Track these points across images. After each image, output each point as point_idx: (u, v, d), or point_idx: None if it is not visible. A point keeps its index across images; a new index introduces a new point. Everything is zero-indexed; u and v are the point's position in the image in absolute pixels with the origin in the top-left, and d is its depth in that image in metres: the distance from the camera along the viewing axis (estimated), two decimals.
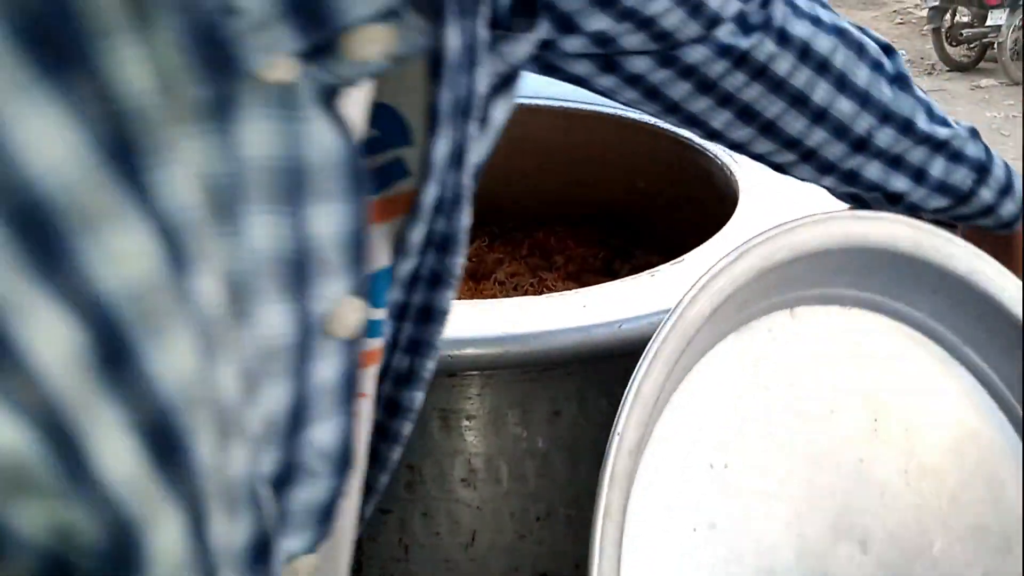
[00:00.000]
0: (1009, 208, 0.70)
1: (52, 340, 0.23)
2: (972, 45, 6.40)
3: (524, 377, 0.69)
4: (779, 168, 0.69)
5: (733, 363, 0.62)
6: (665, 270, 0.73)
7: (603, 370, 0.55)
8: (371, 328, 0.38)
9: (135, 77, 0.24)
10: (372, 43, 0.30)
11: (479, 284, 1.09)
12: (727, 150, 0.90)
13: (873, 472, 0.64)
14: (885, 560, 0.63)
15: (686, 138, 0.97)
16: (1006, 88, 6.06)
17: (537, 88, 1.09)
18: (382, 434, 0.47)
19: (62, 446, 0.24)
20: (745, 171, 0.89)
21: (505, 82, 0.45)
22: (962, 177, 0.68)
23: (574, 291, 0.71)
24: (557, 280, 1.03)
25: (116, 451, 0.25)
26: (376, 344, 0.41)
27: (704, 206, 0.84)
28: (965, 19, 6.45)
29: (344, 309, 0.33)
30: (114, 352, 0.24)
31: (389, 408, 0.47)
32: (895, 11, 7.51)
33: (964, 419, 0.69)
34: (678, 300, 0.55)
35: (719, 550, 0.57)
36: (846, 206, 0.72)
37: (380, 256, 0.39)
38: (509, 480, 0.69)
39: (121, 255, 0.24)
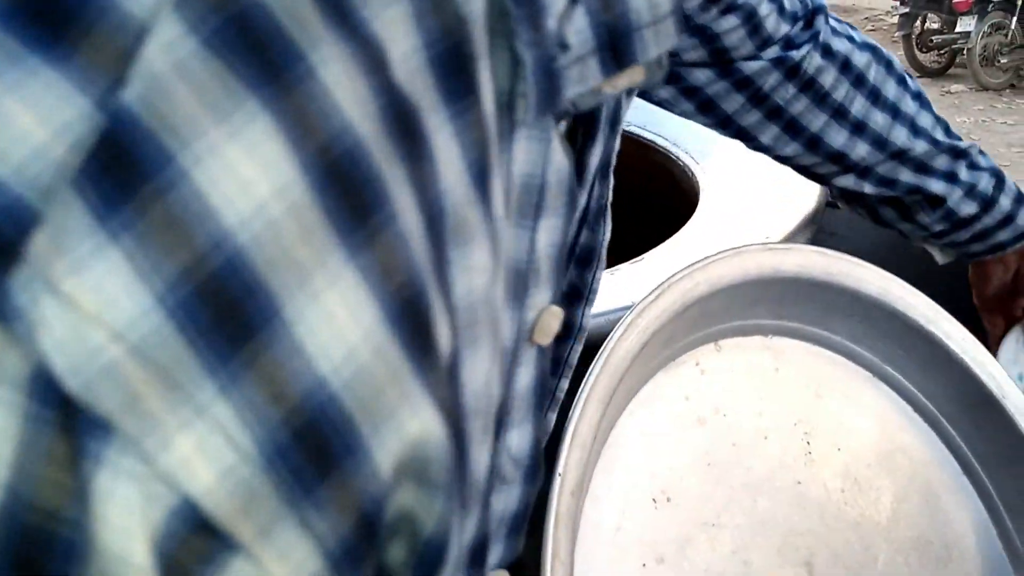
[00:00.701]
0: None
1: (443, 340, 0.24)
2: (942, 51, 6.56)
3: None
4: (821, 179, 0.73)
5: (665, 399, 0.63)
6: (624, 269, 0.75)
7: None
8: None
9: (489, 99, 0.26)
10: (631, 78, 0.32)
11: None
12: (689, 152, 0.94)
13: (811, 494, 0.66)
14: None
15: (649, 140, 0.99)
16: (976, 93, 6.19)
17: None
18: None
19: (457, 447, 0.25)
20: (706, 172, 0.92)
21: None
22: (985, 183, 0.73)
23: None
24: None
25: (479, 457, 0.26)
26: None
27: (665, 206, 0.87)
28: (935, 25, 6.59)
29: (547, 317, 0.35)
30: (456, 360, 0.26)
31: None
32: (866, 18, 7.68)
33: (892, 435, 0.72)
34: (606, 340, 0.57)
35: None
36: (809, 198, 0.76)
37: None
38: None
39: (475, 267, 0.26)
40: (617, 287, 0.72)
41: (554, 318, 0.36)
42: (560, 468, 0.52)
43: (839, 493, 0.68)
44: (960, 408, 0.73)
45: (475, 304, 0.26)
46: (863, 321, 0.71)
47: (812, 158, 0.71)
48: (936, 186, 0.72)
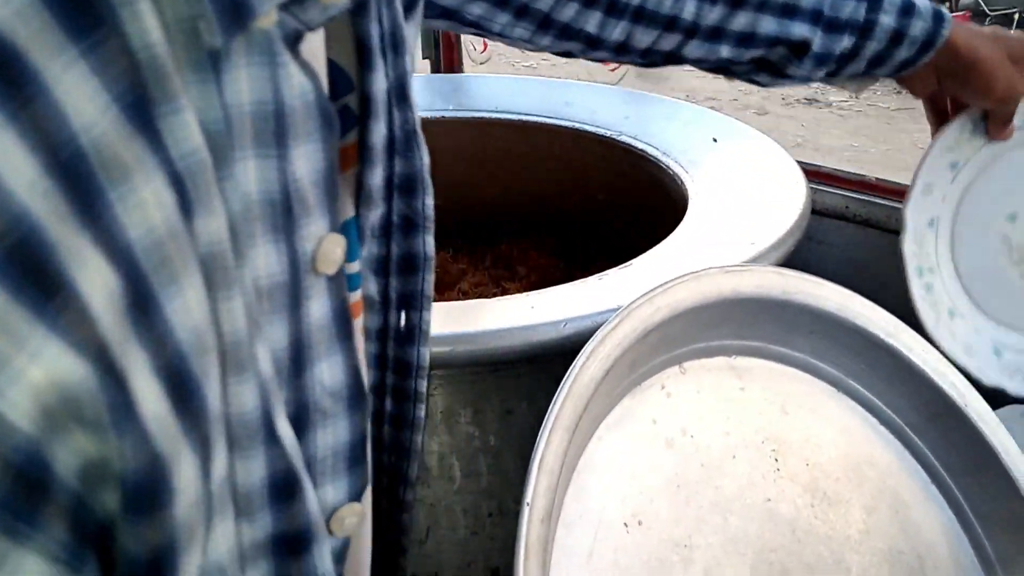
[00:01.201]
0: (919, 26, 0.69)
1: (98, 283, 0.24)
2: None
3: (475, 377, 0.71)
4: (676, 58, 0.69)
5: (632, 423, 0.64)
6: (613, 274, 0.77)
7: (552, 370, 0.58)
8: (349, 281, 0.39)
9: (151, 28, 0.25)
10: None
11: (443, 294, 1.11)
12: (679, 161, 0.95)
13: (781, 510, 0.67)
14: None
15: (640, 149, 1.01)
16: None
17: (496, 103, 1.14)
18: (398, 422, 0.48)
19: (111, 382, 0.24)
20: (695, 181, 0.93)
21: (411, 5, 0.46)
22: (851, 9, 0.68)
23: (524, 294, 0.74)
24: (519, 290, 1.05)
25: (149, 391, 0.26)
26: (356, 296, 0.42)
27: (656, 214, 0.88)
28: None
29: (327, 246, 0.35)
30: (141, 299, 0.26)
31: (399, 370, 0.47)
32: None
33: (858, 448, 0.73)
34: (569, 369, 0.58)
35: None
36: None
37: (345, 206, 0.40)
38: (462, 477, 0.72)
39: (145, 203, 0.25)
40: (605, 291, 0.74)
41: (335, 246, 0.35)
42: (528, 497, 0.53)
43: (809, 508, 0.69)
44: (925, 418, 0.74)
45: (161, 241, 0.26)
46: (825, 337, 0.72)
47: (645, 34, 0.66)
48: (798, 30, 0.68)
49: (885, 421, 0.75)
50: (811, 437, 0.71)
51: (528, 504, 0.52)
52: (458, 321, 0.69)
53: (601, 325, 0.60)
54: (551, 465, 0.54)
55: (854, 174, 1.04)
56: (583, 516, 0.59)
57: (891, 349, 0.73)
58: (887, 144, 4.95)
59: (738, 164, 0.94)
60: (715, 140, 0.97)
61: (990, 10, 5.94)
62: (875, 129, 5.45)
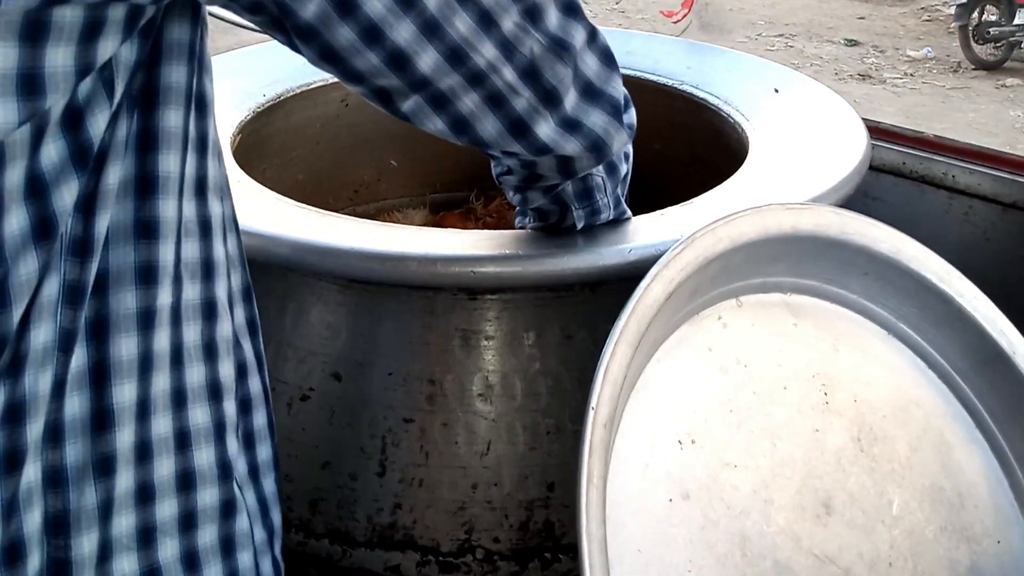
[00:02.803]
0: None
1: None
2: (999, 44, 6.29)
3: (539, 302, 0.75)
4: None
5: (689, 349, 0.67)
6: (675, 210, 0.80)
7: (611, 298, 0.61)
8: None
9: None
10: None
11: None
12: (739, 109, 0.97)
13: (828, 441, 0.70)
14: (849, 520, 0.68)
15: (700, 98, 1.02)
16: None
17: None
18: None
19: None
20: (755, 128, 0.95)
21: None
22: None
23: (591, 227, 0.77)
24: None
25: None
26: None
27: (717, 165, 0.89)
28: (993, 17, 6.38)
29: None
30: None
31: None
32: (922, 7, 7.49)
33: (906, 389, 0.75)
34: (634, 291, 0.61)
35: (695, 517, 0.62)
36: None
37: None
38: (523, 396, 0.75)
39: None
40: (667, 225, 0.77)
41: None
42: (593, 402, 0.56)
43: (855, 441, 0.71)
44: (972, 364, 0.76)
45: None
46: (878, 279, 0.74)
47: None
48: None
49: (933, 364, 0.77)
50: (860, 376, 0.74)
51: (593, 408, 0.56)
52: (524, 245, 0.72)
53: (664, 253, 0.63)
54: (615, 375, 0.57)
55: (912, 130, 1.05)
56: (640, 430, 0.62)
57: (942, 294, 0.75)
58: (942, 123, 4.87)
59: (799, 114, 0.96)
60: (776, 91, 0.98)
61: None
62: (930, 108, 5.36)
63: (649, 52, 1.09)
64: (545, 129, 0.61)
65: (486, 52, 0.55)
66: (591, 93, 0.64)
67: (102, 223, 0.47)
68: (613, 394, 0.57)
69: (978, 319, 0.75)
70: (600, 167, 0.71)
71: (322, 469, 0.77)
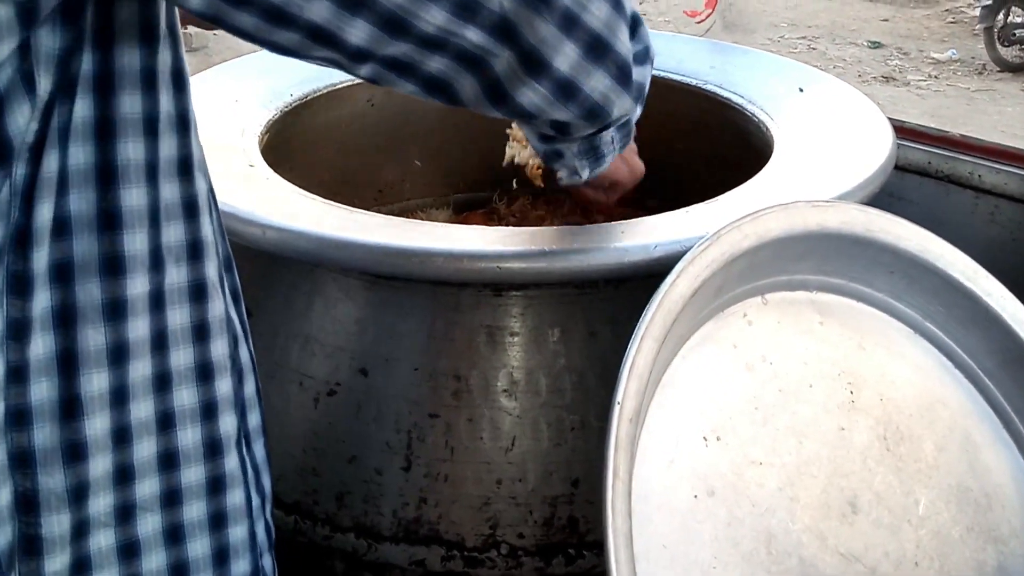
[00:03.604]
0: None
1: None
2: None
3: (564, 299, 0.76)
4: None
5: (715, 346, 0.67)
6: (700, 207, 0.80)
7: (636, 295, 0.61)
8: None
9: None
10: None
11: None
12: (764, 108, 0.97)
13: (854, 439, 0.70)
14: (875, 519, 0.68)
15: (724, 98, 1.02)
16: None
17: None
18: None
19: None
20: (780, 127, 0.95)
21: None
22: None
23: (615, 223, 0.78)
24: None
25: None
26: None
27: (741, 164, 0.89)
28: (1019, 19, 6.27)
29: None
30: None
31: None
32: (947, 10, 7.41)
33: (932, 388, 0.75)
34: (659, 286, 0.61)
35: (720, 514, 0.62)
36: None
37: None
38: (547, 392, 0.76)
39: None
40: (692, 222, 0.77)
41: None
42: (619, 397, 0.56)
43: (881, 440, 0.71)
44: (999, 364, 0.76)
45: None
46: (904, 278, 0.74)
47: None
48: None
49: (959, 364, 0.77)
50: (886, 374, 0.73)
51: (619, 403, 0.56)
52: (549, 242, 0.73)
53: (690, 249, 0.63)
54: (640, 370, 0.58)
55: (937, 130, 1.05)
56: (666, 426, 0.62)
57: (969, 293, 0.74)
58: (967, 125, 4.82)
59: (824, 113, 0.95)
60: (801, 90, 0.98)
61: None
62: (954, 110, 5.31)
63: (672, 52, 1.09)
64: (529, 95, 0.56)
65: (433, 17, 0.50)
66: (597, 50, 0.55)
67: (43, 212, 0.47)
68: (639, 389, 0.57)
69: (1005, 318, 0.75)
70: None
71: (348, 463, 0.77)
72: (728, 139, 1.01)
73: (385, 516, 0.76)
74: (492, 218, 1.17)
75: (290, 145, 1.02)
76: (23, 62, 0.44)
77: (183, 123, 0.52)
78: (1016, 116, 5.12)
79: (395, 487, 0.76)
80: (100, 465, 0.51)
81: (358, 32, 0.49)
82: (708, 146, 1.04)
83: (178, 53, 0.51)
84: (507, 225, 1.13)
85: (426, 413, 0.75)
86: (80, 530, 0.51)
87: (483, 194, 1.22)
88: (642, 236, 0.73)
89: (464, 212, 1.21)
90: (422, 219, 1.17)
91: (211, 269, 0.54)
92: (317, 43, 0.50)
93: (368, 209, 1.17)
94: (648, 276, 0.66)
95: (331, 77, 1.06)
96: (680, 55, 1.09)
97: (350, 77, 1.07)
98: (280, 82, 1.04)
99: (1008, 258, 1.04)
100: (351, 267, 0.76)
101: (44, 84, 0.45)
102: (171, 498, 0.54)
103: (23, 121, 0.45)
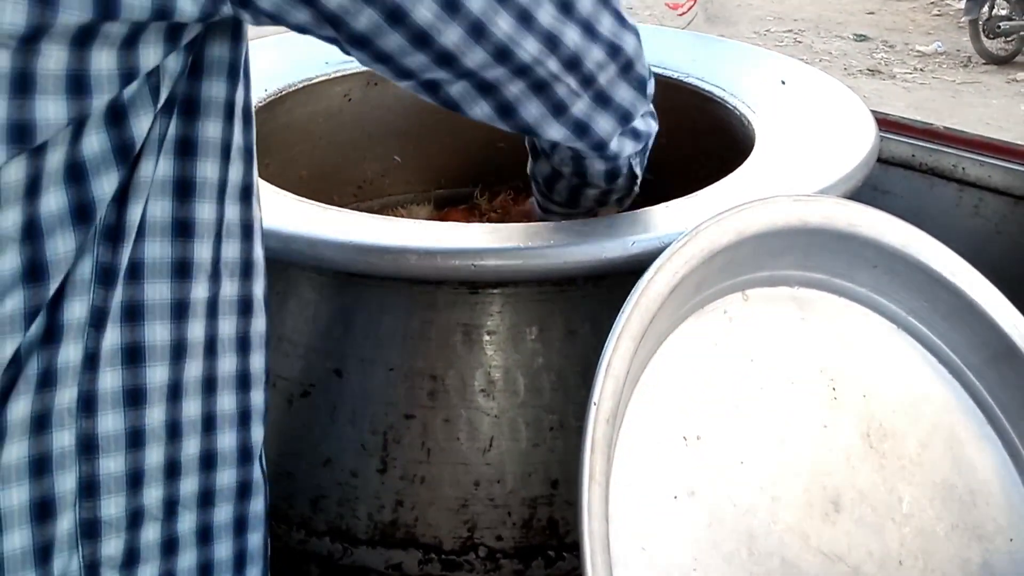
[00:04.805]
0: None
1: None
2: (1010, 38, 6.25)
3: (542, 296, 0.74)
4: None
5: (694, 344, 0.66)
6: (679, 202, 0.78)
7: (615, 292, 0.60)
8: None
9: None
10: None
11: None
12: (745, 102, 0.96)
13: (837, 437, 0.69)
14: (858, 517, 0.67)
15: (706, 91, 1.01)
16: None
17: None
18: None
19: None
20: (762, 120, 0.94)
21: None
22: None
23: (594, 219, 0.77)
24: None
25: None
26: None
27: (722, 158, 0.89)
28: (1004, 11, 6.31)
29: None
30: None
31: None
32: (932, 2, 7.42)
33: (916, 385, 0.74)
34: (637, 283, 0.60)
35: (700, 515, 0.61)
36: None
37: None
38: (525, 392, 0.74)
39: None
40: (671, 217, 0.76)
41: None
42: (595, 398, 0.55)
43: (864, 437, 0.70)
44: (983, 359, 0.75)
45: None
46: (887, 273, 0.73)
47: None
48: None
49: (944, 360, 0.76)
50: (869, 370, 0.72)
51: (595, 404, 0.54)
52: (525, 238, 0.71)
53: (668, 245, 0.62)
54: (617, 370, 0.56)
55: (921, 122, 1.04)
56: (644, 426, 0.61)
57: (953, 287, 0.73)
58: (952, 118, 4.83)
59: (806, 106, 0.94)
60: (783, 82, 0.97)
61: None
62: (939, 102, 5.32)
63: (654, 45, 1.07)
64: (580, 106, 0.65)
65: (529, 47, 0.58)
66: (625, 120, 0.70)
67: (134, 213, 0.51)
68: (616, 389, 0.56)
69: (989, 313, 0.74)
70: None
71: (323, 466, 0.76)
72: (710, 132, 0.99)
73: (361, 519, 0.75)
74: (473, 214, 1.15)
75: (266, 142, 1.00)
76: (154, 76, 0.50)
77: (248, 154, 0.58)
78: (1001, 108, 5.14)
79: (371, 490, 0.75)
80: (155, 456, 0.55)
81: (475, 57, 0.57)
82: (688, 139, 1.03)
83: (248, 93, 0.57)
84: (488, 221, 1.12)
85: (402, 414, 0.74)
86: (135, 519, 0.55)
87: (464, 190, 1.21)
88: (621, 232, 0.72)
89: (445, 208, 1.19)
90: (403, 215, 1.15)
91: (259, 288, 0.60)
92: (439, 65, 0.57)
93: (348, 206, 1.16)
94: (627, 273, 0.64)
95: (305, 72, 1.04)
96: (662, 47, 1.08)
97: (324, 72, 1.06)
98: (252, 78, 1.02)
99: (992, 251, 1.03)
100: (323, 265, 0.74)
101: (162, 98, 0.51)
102: (206, 498, 0.59)
103: (145, 127, 0.50)
